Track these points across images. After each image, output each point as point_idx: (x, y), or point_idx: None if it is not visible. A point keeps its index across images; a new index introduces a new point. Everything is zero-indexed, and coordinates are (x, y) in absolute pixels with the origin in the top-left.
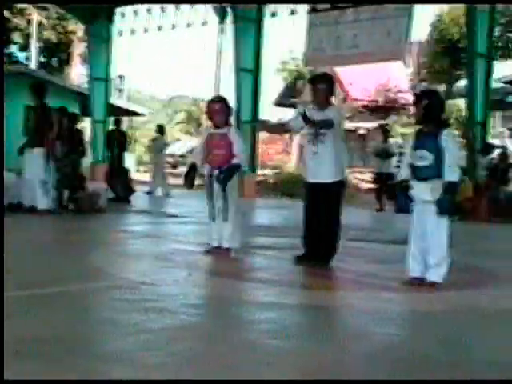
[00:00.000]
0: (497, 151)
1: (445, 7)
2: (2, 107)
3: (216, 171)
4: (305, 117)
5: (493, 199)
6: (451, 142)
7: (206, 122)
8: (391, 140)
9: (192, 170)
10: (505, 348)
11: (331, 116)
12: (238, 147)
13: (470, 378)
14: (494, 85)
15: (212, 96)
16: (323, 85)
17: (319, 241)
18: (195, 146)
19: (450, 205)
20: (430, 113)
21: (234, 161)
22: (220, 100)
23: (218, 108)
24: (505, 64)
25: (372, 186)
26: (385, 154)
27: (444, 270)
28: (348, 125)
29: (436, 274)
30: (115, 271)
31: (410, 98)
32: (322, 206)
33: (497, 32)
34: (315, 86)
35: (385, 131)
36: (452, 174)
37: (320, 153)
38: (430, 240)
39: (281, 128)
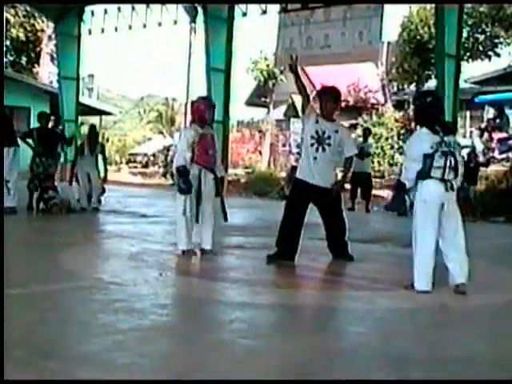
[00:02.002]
0: (465, 150)
1: (414, 8)
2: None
3: (208, 173)
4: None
5: (462, 198)
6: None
7: (184, 122)
8: (370, 140)
9: (186, 174)
10: (479, 345)
11: (346, 138)
12: (219, 154)
13: (446, 375)
14: (463, 85)
15: (200, 96)
16: (331, 98)
17: (298, 240)
18: (178, 146)
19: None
20: (421, 114)
21: (221, 171)
22: (210, 100)
23: (210, 107)
24: (473, 65)
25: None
26: (364, 154)
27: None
28: None
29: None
30: (85, 272)
31: (381, 97)
32: (325, 208)
33: (465, 33)
34: (323, 99)
35: (366, 132)
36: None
37: (318, 159)
38: None
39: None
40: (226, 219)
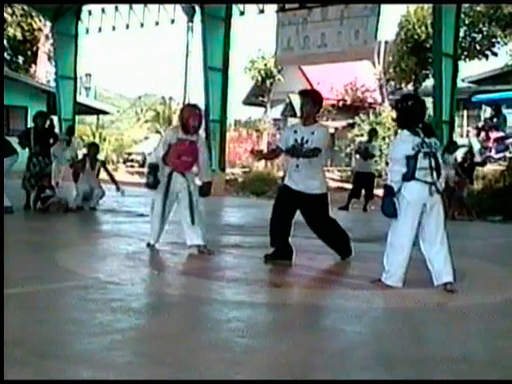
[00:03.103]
0: (462, 150)
1: (411, 7)
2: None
3: (179, 175)
4: (293, 151)
5: (457, 197)
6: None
7: (173, 123)
8: (374, 141)
9: (155, 171)
10: (475, 345)
11: (318, 137)
12: (205, 160)
13: (442, 375)
14: (460, 84)
15: (189, 102)
16: (309, 101)
17: (287, 240)
18: (156, 144)
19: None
20: (404, 117)
21: (204, 176)
22: (198, 107)
23: (198, 114)
24: (470, 64)
25: (339, 184)
26: (367, 155)
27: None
28: None
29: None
30: (82, 271)
31: (378, 97)
32: (310, 215)
33: (462, 33)
34: (302, 101)
35: (371, 133)
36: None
37: (301, 166)
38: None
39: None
40: (192, 222)
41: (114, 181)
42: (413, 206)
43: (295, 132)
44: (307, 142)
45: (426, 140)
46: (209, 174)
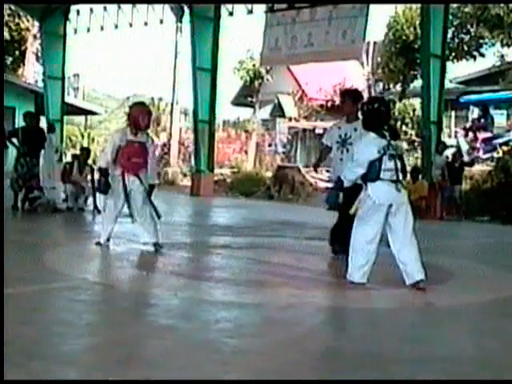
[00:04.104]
0: (451, 150)
1: (399, 8)
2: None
3: (131, 176)
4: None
5: (447, 198)
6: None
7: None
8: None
9: (106, 176)
10: (465, 344)
11: (361, 132)
12: (153, 161)
13: (433, 374)
14: (448, 85)
15: (136, 101)
16: (350, 100)
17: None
18: (105, 147)
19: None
20: (370, 120)
21: (150, 179)
22: (145, 104)
23: (145, 114)
24: (458, 65)
25: (328, 184)
26: None
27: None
28: (306, 124)
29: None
30: (70, 272)
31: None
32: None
33: (450, 33)
34: (343, 100)
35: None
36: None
37: (344, 160)
38: None
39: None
40: (158, 217)
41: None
42: (378, 206)
43: (339, 128)
44: (350, 137)
45: (392, 142)
46: (154, 176)
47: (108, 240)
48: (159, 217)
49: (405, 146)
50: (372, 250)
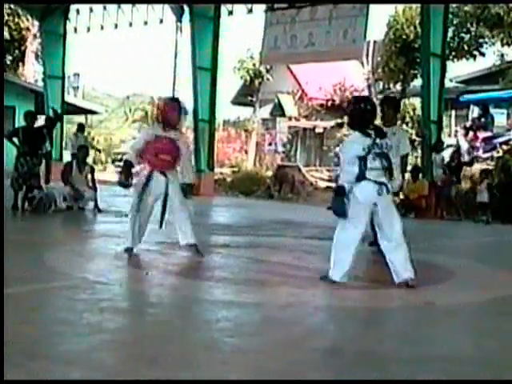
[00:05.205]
0: (450, 149)
1: (399, 7)
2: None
3: (159, 174)
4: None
5: (446, 197)
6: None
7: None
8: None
9: (129, 169)
10: (465, 344)
11: (400, 136)
12: (186, 161)
13: (433, 374)
14: (448, 84)
15: (166, 96)
16: (391, 107)
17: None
18: (133, 142)
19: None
20: (355, 119)
21: (185, 178)
22: (177, 100)
23: (178, 107)
24: (458, 64)
25: (328, 184)
26: None
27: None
28: (306, 123)
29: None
30: (71, 271)
31: None
32: None
33: (450, 33)
34: (383, 106)
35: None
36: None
37: None
38: None
39: None
40: (160, 226)
41: (95, 191)
42: (363, 206)
43: None
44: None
45: (378, 141)
46: (190, 175)
47: (135, 246)
48: (160, 226)
49: None
50: (354, 250)
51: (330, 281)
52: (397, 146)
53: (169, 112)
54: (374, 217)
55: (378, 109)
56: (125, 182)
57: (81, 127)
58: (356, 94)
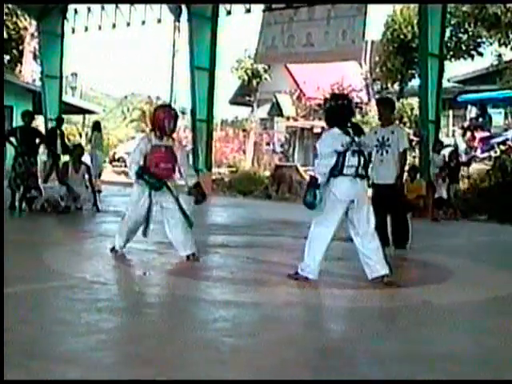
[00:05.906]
0: (448, 149)
1: (397, 7)
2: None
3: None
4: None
5: (438, 198)
6: None
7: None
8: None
9: (143, 173)
10: (464, 343)
11: (398, 135)
12: (185, 164)
13: (433, 374)
14: (446, 84)
15: (161, 104)
16: (387, 107)
17: (384, 231)
18: (132, 155)
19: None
20: (333, 116)
21: (189, 179)
22: (172, 109)
23: (171, 117)
24: (455, 64)
25: None
26: None
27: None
28: (304, 123)
29: None
30: (69, 271)
31: (364, 96)
32: (389, 201)
33: (448, 33)
34: (380, 107)
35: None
36: None
37: (384, 161)
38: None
39: None
40: (190, 225)
41: (93, 191)
42: (340, 203)
43: (375, 133)
44: (388, 139)
45: (356, 139)
46: (193, 175)
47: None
48: (191, 226)
49: None
50: (327, 247)
51: (302, 277)
52: (396, 142)
53: (164, 120)
54: (350, 213)
55: (376, 109)
56: (157, 185)
57: (96, 125)
58: (354, 93)
